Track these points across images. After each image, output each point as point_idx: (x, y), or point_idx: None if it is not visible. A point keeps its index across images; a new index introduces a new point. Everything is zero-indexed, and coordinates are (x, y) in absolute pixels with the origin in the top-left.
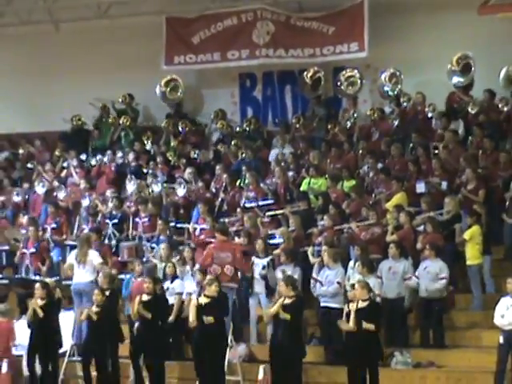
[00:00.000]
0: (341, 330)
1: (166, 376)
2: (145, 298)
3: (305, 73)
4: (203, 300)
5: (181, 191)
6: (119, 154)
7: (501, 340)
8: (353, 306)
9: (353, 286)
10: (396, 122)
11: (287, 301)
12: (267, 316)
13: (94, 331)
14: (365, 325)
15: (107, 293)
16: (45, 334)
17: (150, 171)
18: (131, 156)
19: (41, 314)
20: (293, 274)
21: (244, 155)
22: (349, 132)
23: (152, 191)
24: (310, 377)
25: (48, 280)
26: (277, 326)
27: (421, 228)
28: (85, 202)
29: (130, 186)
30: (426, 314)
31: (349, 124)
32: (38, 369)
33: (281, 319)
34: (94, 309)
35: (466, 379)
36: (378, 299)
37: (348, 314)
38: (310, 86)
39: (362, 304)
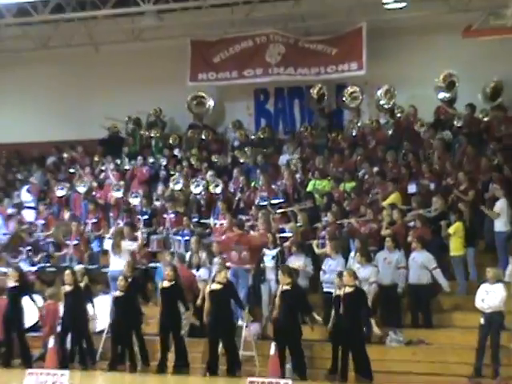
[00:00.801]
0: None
1: (191, 351)
2: (166, 284)
3: (311, 89)
4: (215, 286)
5: (197, 190)
6: (151, 160)
7: (481, 321)
8: (341, 291)
9: (339, 274)
10: (390, 132)
11: (285, 287)
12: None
13: (119, 313)
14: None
15: (129, 279)
16: (73, 316)
17: (177, 174)
18: (162, 161)
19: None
20: (304, 264)
21: (258, 160)
22: (354, 139)
23: (179, 190)
24: (315, 352)
25: (76, 268)
26: (277, 310)
27: (411, 224)
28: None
29: (160, 187)
30: (416, 299)
31: (354, 132)
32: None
33: (281, 304)
34: (118, 293)
35: (451, 355)
36: (374, 286)
37: (337, 298)
38: (316, 100)
39: (348, 289)
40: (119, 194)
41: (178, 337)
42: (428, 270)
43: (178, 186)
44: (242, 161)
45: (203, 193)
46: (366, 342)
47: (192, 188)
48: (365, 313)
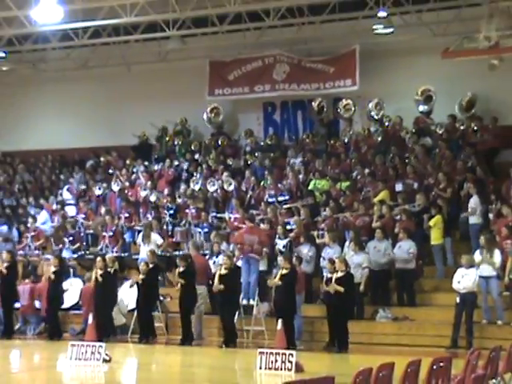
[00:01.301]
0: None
1: (208, 326)
2: (181, 269)
3: (312, 102)
4: (223, 271)
5: (213, 188)
6: (176, 162)
7: (457, 300)
8: (334, 275)
9: (330, 260)
10: (379, 138)
11: (284, 271)
12: (271, 283)
13: (141, 294)
14: (336, 287)
15: (151, 265)
16: (104, 295)
17: (198, 175)
18: (185, 164)
19: (99, 278)
20: (309, 252)
21: (266, 163)
22: (346, 146)
23: (198, 189)
24: (316, 327)
25: (108, 255)
26: (276, 290)
27: (398, 217)
28: (152, 198)
29: (182, 186)
30: (401, 281)
31: (346, 139)
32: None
33: (279, 285)
34: (141, 276)
35: (431, 329)
36: (366, 271)
37: (328, 281)
38: (316, 111)
39: (340, 274)
40: (146, 193)
41: (188, 314)
42: (410, 256)
43: (197, 186)
44: (252, 163)
45: (219, 191)
46: (359, 318)
47: (209, 187)
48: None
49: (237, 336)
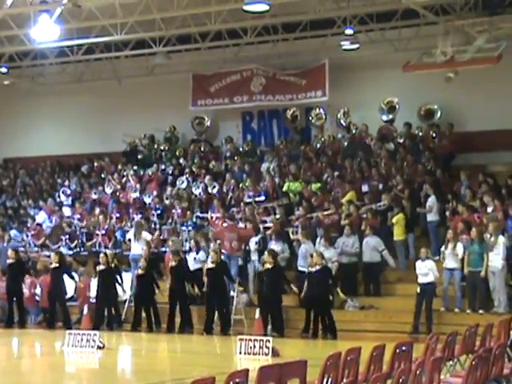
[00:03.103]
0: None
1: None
2: (173, 263)
3: (287, 111)
4: (210, 265)
5: (197, 191)
6: (162, 167)
7: (418, 290)
8: (311, 269)
9: (311, 255)
10: (346, 144)
11: (268, 266)
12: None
13: (140, 287)
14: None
15: (148, 260)
16: (106, 289)
17: (183, 178)
18: (170, 168)
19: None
20: (282, 248)
21: (245, 167)
22: (317, 151)
23: (183, 189)
24: (291, 315)
25: (108, 252)
26: (262, 282)
27: (364, 215)
28: (147, 199)
29: (169, 188)
30: (368, 273)
31: (318, 145)
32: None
33: (265, 277)
34: (140, 271)
35: (395, 316)
36: (336, 264)
37: (309, 274)
38: (290, 120)
39: (317, 267)
40: (136, 195)
41: (184, 305)
42: (378, 251)
43: (183, 185)
44: (232, 167)
45: (202, 193)
46: (330, 307)
47: (193, 189)
48: (331, 285)
49: (231, 324)
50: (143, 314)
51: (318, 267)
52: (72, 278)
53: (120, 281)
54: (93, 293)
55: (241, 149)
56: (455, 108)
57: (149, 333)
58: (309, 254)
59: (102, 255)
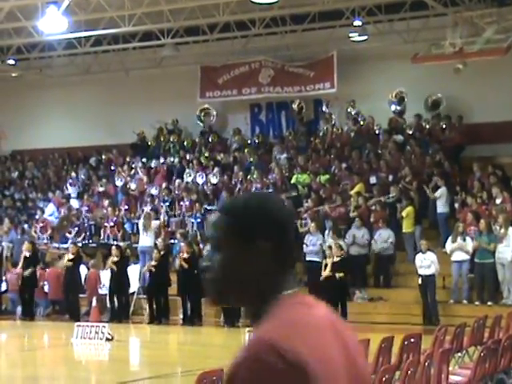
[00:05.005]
0: (318, 276)
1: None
2: (185, 255)
3: (292, 103)
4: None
5: (201, 181)
6: (170, 159)
7: (419, 281)
8: (330, 260)
9: (329, 247)
10: (352, 135)
11: None
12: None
13: (153, 278)
14: (337, 275)
15: (162, 252)
16: (118, 280)
17: (190, 170)
18: (178, 160)
19: (114, 267)
20: None
21: (253, 159)
22: (327, 142)
23: (191, 182)
24: None
25: (121, 244)
26: None
27: (373, 207)
28: (153, 191)
29: (177, 180)
30: (378, 265)
31: (324, 137)
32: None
33: None
34: (153, 263)
35: (403, 308)
36: (344, 255)
37: (326, 266)
38: (296, 111)
39: (336, 259)
40: (145, 187)
41: (193, 297)
42: (390, 243)
43: (190, 178)
44: (241, 159)
45: (209, 184)
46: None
47: (199, 181)
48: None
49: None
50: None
51: (336, 259)
52: (88, 269)
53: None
54: (102, 284)
55: (249, 141)
56: (464, 100)
57: (158, 325)
58: (319, 246)
59: (114, 248)
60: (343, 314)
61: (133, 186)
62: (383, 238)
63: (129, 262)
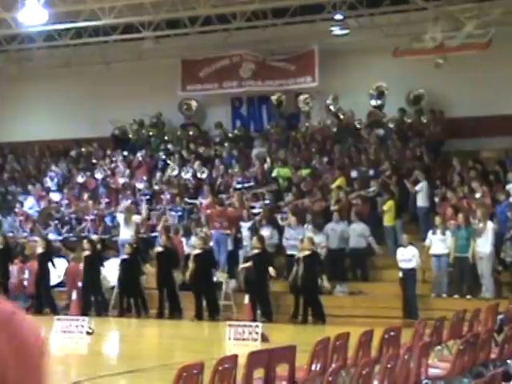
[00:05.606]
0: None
1: (183, 301)
2: (159, 249)
3: (272, 97)
4: (197, 251)
5: (187, 176)
6: (150, 152)
7: (400, 275)
8: (301, 253)
9: (301, 240)
10: (334, 130)
11: (256, 251)
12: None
13: (124, 271)
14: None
15: (134, 246)
16: (91, 274)
17: (173, 164)
18: (159, 154)
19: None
20: (271, 233)
21: (234, 152)
22: (308, 136)
23: (174, 176)
24: (281, 301)
25: (93, 237)
26: (248, 268)
27: (354, 201)
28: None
29: (158, 174)
30: (356, 259)
31: (307, 131)
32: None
33: (252, 263)
34: (125, 256)
35: (382, 302)
36: (324, 250)
37: (297, 259)
38: (276, 105)
39: (307, 252)
40: (125, 180)
41: (172, 291)
42: (364, 238)
43: (175, 173)
44: (222, 153)
45: (191, 178)
46: (319, 292)
47: (182, 174)
48: (318, 271)
49: (219, 309)
50: (131, 300)
51: (307, 252)
52: (54, 266)
53: (102, 266)
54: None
55: (230, 134)
56: (444, 94)
57: (137, 318)
58: (298, 239)
59: (85, 241)
60: (317, 312)
61: (121, 180)
62: (356, 231)
63: (101, 256)
